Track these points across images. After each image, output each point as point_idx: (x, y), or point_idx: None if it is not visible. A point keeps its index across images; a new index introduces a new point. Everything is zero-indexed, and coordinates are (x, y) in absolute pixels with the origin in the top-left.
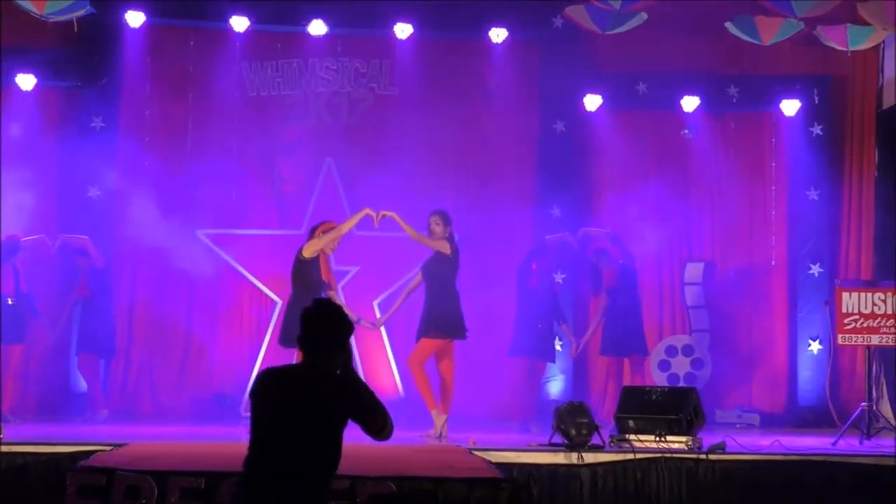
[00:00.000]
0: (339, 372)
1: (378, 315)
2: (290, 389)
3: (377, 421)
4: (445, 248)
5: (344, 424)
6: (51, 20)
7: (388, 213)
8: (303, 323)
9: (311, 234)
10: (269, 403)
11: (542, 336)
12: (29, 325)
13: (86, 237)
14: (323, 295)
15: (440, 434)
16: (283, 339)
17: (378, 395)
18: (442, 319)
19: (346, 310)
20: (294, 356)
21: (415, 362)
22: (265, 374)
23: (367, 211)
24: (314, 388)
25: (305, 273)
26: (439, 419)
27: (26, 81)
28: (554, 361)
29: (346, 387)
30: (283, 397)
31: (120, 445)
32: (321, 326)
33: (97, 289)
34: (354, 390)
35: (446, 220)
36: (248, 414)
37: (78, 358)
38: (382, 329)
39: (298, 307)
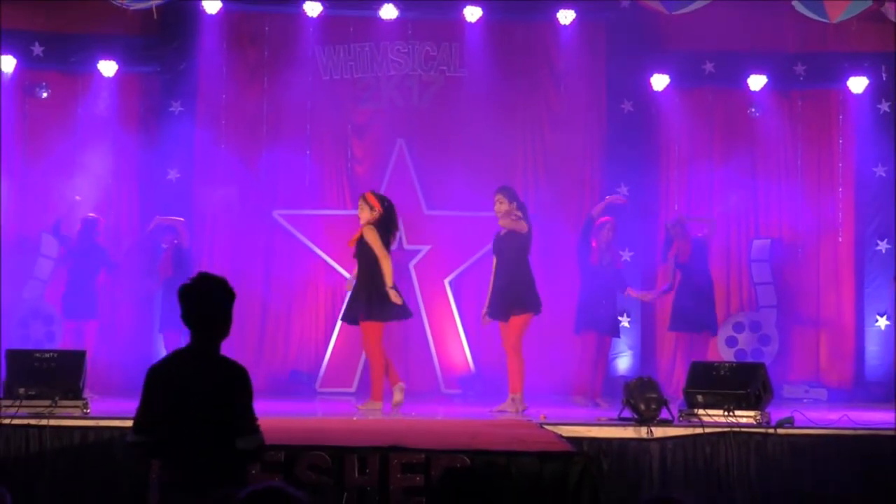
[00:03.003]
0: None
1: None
2: (187, 377)
3: (249, 422)
4: (523, 227)
5: (235, 407)
6: (131, 8)
7: None
8: (184, 299)
9: (364, 199)
10: (170, 394)
11: (606, 312)
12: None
13: (181, 219)
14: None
15: (519, 409)
16: (345, 316)
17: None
18: (528, 294)
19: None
20: (374, 330)
21: (515, 344)
22: (157, 370)
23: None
24: (208, 373)
25: (368, 251)
26: (518, 396)
27: (108, 68)
28: (618, 336)
29: (236, 377)
30: (182, 385)
31: None
32: (204, 301)
33: (179, 268)
34: (241, 383)
35: (510, 197)
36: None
37: (163, 336)
38: (454, 306)
39: (366, 282)
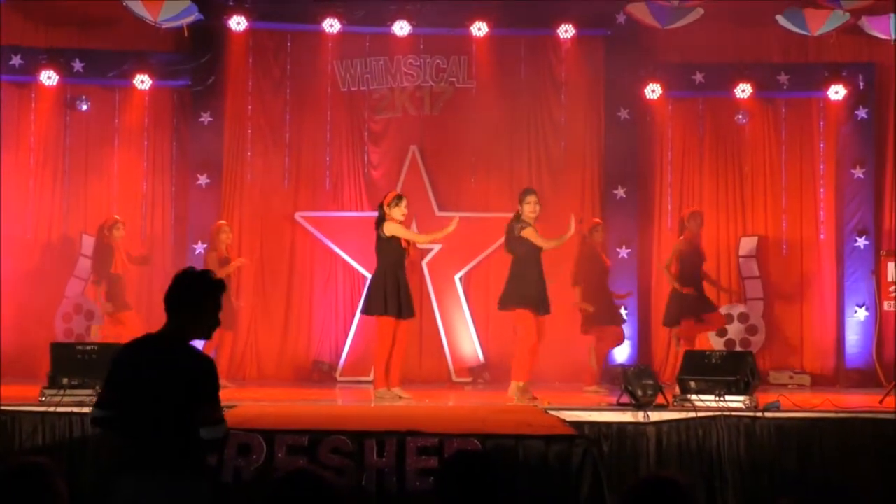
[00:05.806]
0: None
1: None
2: (152, 359)
3: (214, 412)
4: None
5: (189, 395)
6: (164, 26)
7: None
8: (174, 284)
9: (381, 206)
10: (133, 374)
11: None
12: None
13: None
14: None
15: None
16: (367, 308)
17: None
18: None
19: None
20: (383, 324)
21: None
22: (126, 350)
23: (450, 230)
24: (173, 359)
25: (390, 249)
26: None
27: (143, 82)
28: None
29: (200, 367)
30: (146, 367)
31: (230, 407)
32: (175, 286)
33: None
34: (205, 374)
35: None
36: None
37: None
38: (463, 301)
39: (382, 279)
